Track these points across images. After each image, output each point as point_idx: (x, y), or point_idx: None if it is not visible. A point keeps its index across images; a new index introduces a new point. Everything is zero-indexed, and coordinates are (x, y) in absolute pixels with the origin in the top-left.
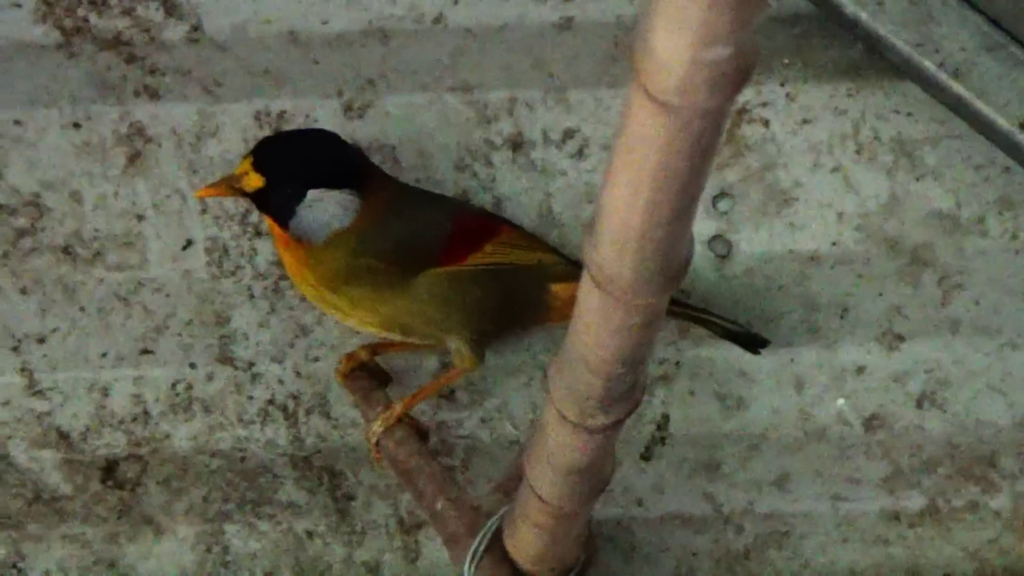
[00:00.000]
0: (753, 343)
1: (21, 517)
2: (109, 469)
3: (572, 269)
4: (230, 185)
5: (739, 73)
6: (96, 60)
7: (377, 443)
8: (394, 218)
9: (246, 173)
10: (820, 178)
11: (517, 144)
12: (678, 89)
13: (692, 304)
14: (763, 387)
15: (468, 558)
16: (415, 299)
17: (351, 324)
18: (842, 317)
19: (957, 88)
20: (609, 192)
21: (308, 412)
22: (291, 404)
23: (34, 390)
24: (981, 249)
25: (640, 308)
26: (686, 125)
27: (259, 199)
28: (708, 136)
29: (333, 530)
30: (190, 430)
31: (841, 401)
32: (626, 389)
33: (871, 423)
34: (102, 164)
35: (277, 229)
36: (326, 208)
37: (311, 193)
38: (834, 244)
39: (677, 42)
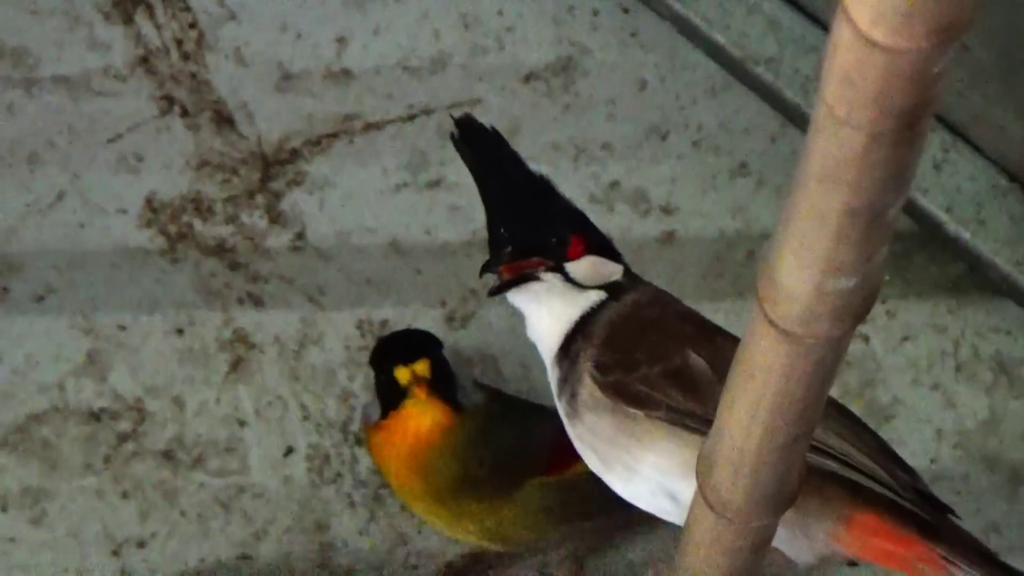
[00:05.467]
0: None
1: None
2: None
3: None
4: None
5: (862, 304)
6: (200, 266)
7: None
8: (496, 426)
9: (420, 374)
10: (919, 395)
11: None
12: (801, 318)
13: None
14: None
15: None
16: (521, 509)
17: (453, 535)
18: None
19: None
20: (726, 417)
21: None
22: None
23: None
24: None
25: (752, 531)
26: (808, 353)
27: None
28: (829, 364)
29: None
30: None
31: None
32: None
33: None
34: (205, 370)
35: (401, 435)
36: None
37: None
38: (932, 461)
39: (802, 273)
